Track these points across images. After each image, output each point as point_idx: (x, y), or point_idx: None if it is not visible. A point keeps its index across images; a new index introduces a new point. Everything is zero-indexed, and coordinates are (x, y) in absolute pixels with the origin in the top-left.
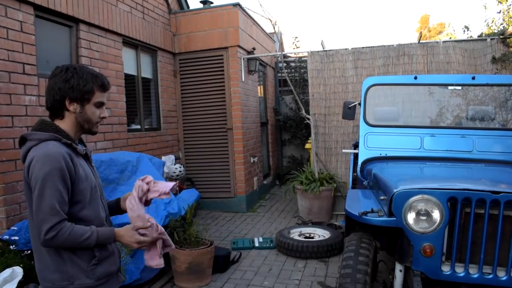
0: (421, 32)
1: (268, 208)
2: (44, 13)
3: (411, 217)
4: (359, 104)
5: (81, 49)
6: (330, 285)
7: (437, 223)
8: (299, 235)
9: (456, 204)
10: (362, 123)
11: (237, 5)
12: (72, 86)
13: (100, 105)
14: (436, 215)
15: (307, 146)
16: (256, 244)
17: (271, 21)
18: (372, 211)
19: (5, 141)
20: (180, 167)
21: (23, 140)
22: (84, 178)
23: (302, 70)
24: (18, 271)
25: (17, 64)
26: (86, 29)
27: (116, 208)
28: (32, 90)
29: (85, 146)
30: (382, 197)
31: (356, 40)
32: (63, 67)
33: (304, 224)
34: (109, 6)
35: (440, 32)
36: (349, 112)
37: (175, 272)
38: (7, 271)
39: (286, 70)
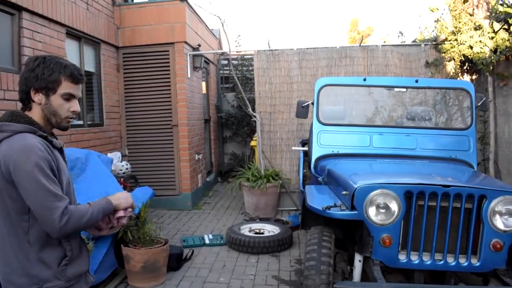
0: (362, 36)
1: (213, 205)
2: None
3: (372, 210)
4: (312, 103)
5: (24, 39)
6: (284, 278)
7: (395, 215)
8: (249, 231)
9: (411, 197)
10: (315, 122)
11: (184, 0)
12: (36, 75)
13: (69, 97)
14: (394, 207)
15: (253, 143)
16: (207, 241)
17: (220, 18)
18: (335, 206)
19: None
20: (127, 165)
21: None
22: (62, 172)
23: (244, 68)
24: None
25: None
26: (29, 18)
27: None
28: None
29: (56, 138)
30: (344, 192)
31: (296, 40)
32: (32, 57)
33: (252, 220)
34: None
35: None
36: (303, 111)
37: (129, 272)
38: None
39: (228, 68)
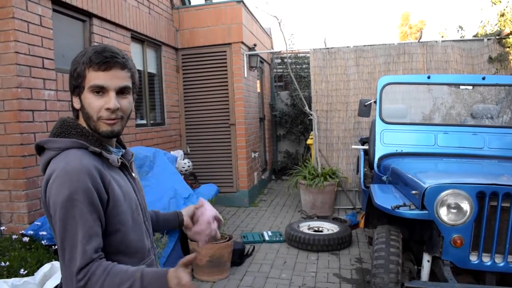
0: (421, 32)
1: (269, 203)
2: (60, 7)
3: (443, 210)
4: (375, 102)
5: (94, 43)
6: (345, 277)
7: (467, 216)
8: (308, 229)
9: (483, 198)
10: (378, 120)
11: (241, 1)
12: (70, 76)
13: (99, 90)
14: (466, 208)
15: (309, 141)
16: (266, 238)
17: (277, 19)
18: (404, 205)
19: (27, 135)
20: (189, 162)
21: (40, 148)
22: (122, 198)
23: (298, 67)
24: (57, 266)
25: (37, 58)
26: (99, 24)
27: (178, 222)
28: (50, 85)
29: (124, 148)
30: (413, 192)
31: (346, 34)
32: None
33: (310, 218)
34: (119, 1)
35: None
36: (365, 109)
37: (195, 266)
38: (46, 266)
39: (281, 66)
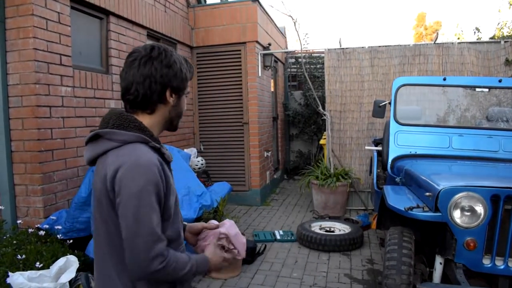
0: (437, 33)
1: (281, 202)
2: (78, 5)
3: (456, 213)
4: (389, 103)
5: (111, 41)
6: (356, 277)
7: (480, 219)
8: (320, 229)
9: (498, 201)
10: (392, 122)
11: (256, 1)
12: (175, 73)
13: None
14: (480, 211)
15: (322, 141)
16: (278, 237)
17: (292, 18)
18: (418, 207)
19: (44, 131)
20: (202, 160)
21: (95, 137)
22: (171, 192)
23: (312, 67)
24: (72, 260)
25: (55, 55)
26: (115, 22)
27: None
28: (67, 81)
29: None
30: (427, 194)
31: (360, 34)
32: (158, 48)
33: (321, 218)
34: None
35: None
36: (379, 110)
37: None
38: (62, 260)
39: (295, 66)
